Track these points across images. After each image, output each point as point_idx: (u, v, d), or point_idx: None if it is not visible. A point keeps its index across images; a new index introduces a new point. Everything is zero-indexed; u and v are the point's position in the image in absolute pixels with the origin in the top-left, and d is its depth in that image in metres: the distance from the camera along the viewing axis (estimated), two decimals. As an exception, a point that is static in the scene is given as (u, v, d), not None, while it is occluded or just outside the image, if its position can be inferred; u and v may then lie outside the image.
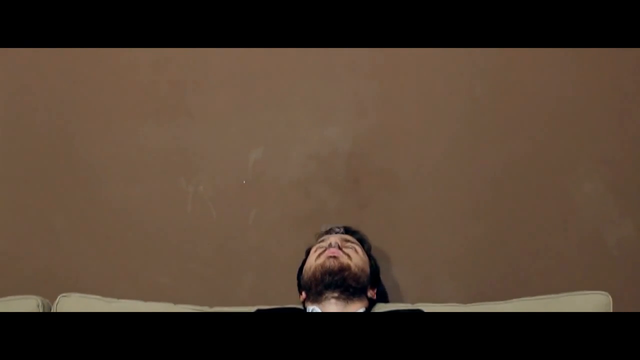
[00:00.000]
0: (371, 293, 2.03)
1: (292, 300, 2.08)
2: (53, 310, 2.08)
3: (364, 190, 2.27)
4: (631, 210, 2.22)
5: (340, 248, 2.00)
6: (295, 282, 2.10)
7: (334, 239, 2.03)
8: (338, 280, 1.94)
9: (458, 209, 2.26)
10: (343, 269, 1.95)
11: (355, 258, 2.00)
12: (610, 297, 1.97)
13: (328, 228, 2.14)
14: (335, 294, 1.94)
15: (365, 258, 2.05)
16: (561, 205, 2.23)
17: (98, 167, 2.32)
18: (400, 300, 2.20)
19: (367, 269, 2.02)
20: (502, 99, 2.28)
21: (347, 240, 2.07)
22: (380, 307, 2.04)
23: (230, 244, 2.28)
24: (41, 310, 2.06)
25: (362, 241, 2.11)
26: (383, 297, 2.17)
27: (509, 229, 2.24)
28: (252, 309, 2.00)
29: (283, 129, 2.30)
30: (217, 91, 2.32)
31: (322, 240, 2.07)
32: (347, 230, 2.13)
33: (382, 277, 2.16)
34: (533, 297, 2.02)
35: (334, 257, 1.97)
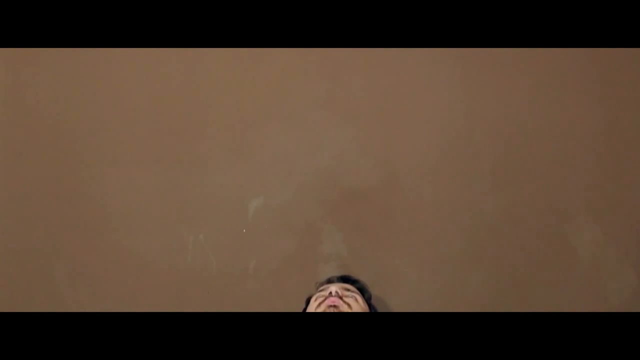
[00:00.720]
0: (371, 342, 2.02)
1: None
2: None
3: (367, 238, 2.27)
4: (632, 259, 2.22)
5: (340, 297, 2.00)
6: (296, 331, 2.09)
7: (334, 287, 2.03)
8: (338, 330, 1.94)
9: (457, 257, 2.26)
10: (343, 319, 1.95)
11: (355, 307, 1.99)
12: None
13: (328, 277, 2.14)
14: (336, 343, 1.94)
15: (366, 307, 2.04)
16: (561, 254, 2.24)
17: (98, 215, 2.32)
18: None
19: (368, 319, 2.02)
20: (501, 144, 2.29)
21: (348, 289, 2.06)
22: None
23: (230, 293, 2.27)
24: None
25: (363, 290, 2.11)
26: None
27: (508, 277, 2.24)
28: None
29: (283, 177, 2.31)
30: (218, 140, 2.33)
31: (323, 289, 2.06)
32: (348, 279, 2.13)
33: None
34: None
35: (334, 306, 1.97)
